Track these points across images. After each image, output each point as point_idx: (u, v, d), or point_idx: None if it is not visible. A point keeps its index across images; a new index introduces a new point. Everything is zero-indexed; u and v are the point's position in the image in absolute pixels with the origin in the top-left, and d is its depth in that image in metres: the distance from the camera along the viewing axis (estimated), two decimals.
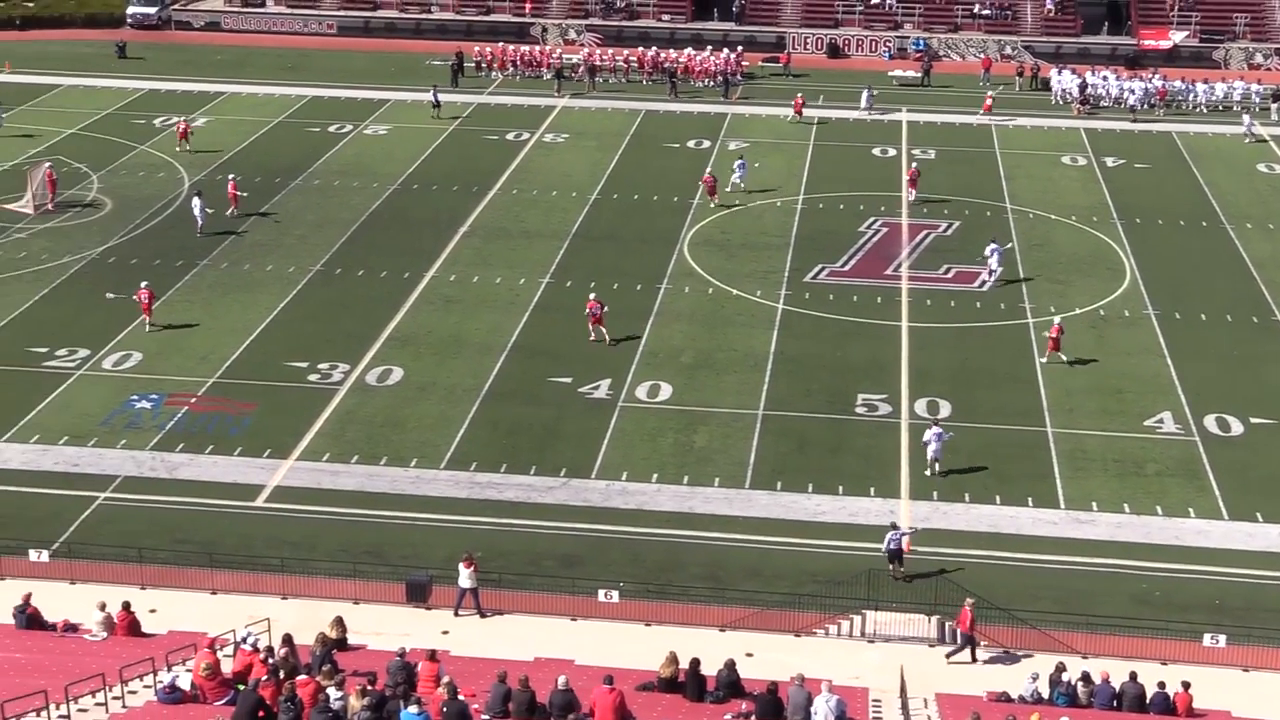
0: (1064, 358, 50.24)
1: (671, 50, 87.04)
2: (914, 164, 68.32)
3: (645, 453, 44.32)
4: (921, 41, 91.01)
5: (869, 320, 53.64)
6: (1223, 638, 34.83)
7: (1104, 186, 68.43)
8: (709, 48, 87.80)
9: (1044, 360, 50.16)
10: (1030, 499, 42.08)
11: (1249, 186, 68.82)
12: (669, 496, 42.10)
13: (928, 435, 43.38)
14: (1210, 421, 46.43)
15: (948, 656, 34.94)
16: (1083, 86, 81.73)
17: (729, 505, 41.72)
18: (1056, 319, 51.84)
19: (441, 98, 77.84)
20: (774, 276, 57.27)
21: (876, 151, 73.05)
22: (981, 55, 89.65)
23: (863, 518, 41.10)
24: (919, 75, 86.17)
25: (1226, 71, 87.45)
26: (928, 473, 43.19)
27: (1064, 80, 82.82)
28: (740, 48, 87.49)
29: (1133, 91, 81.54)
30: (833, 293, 55.91)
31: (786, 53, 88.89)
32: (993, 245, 57.88)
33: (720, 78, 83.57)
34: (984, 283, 56.73)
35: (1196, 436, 45.59)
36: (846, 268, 58.47)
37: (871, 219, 63.73)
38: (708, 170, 67.36)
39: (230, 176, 64.44)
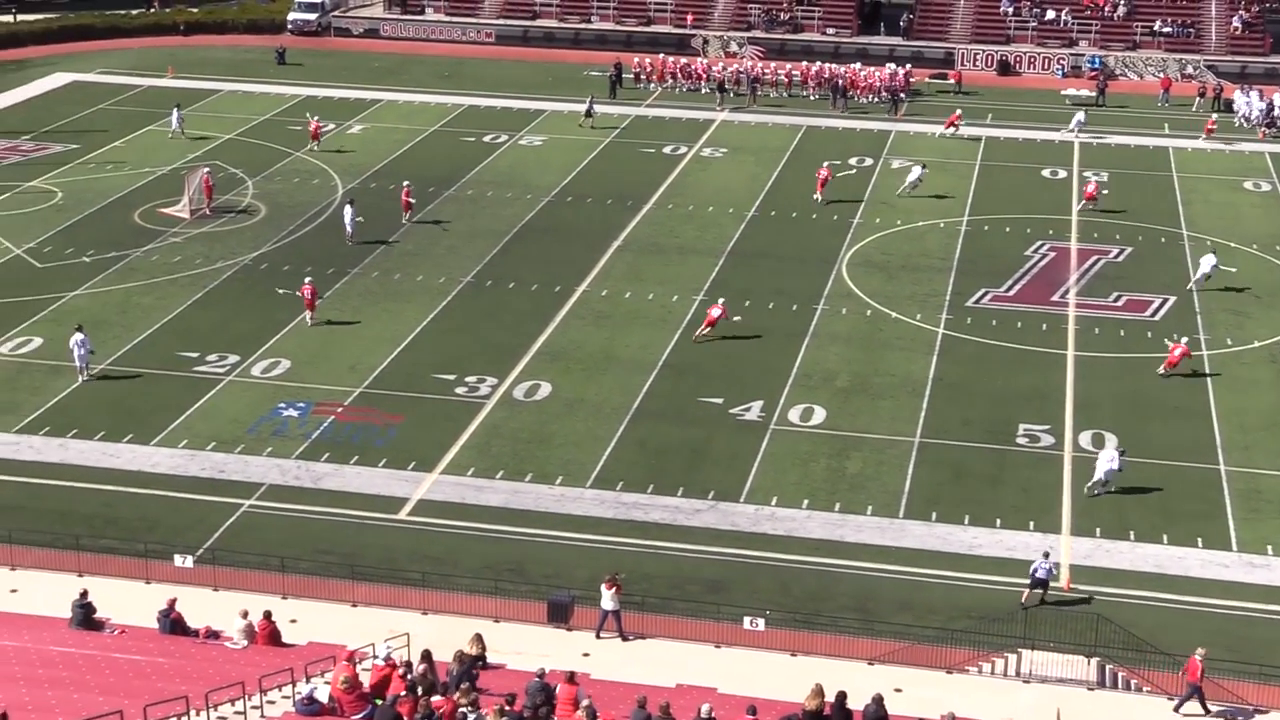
0: (1163, 371, 50.40)
1: (836, 65, 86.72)
2: (1094, 181, 67.70)
3: (796, 477, 44.17)
4: (1097, 59, 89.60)
5: (1033, 348, 52.89)
6: None
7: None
8: (889, 65, 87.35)
9: (1160, 371, 50.28)
10: (1200, 539, 41.11)
11: None
12: (819, 523, 41.89)
13: (1109, 452, 43.12)
14: None
15: (1176, 708, 33.98)
16: (1269, 109, 79.78)
17: (881, 535, 41.39)
18: (1184, 340, 51.14)
19: (597, 109, 78.46)
20: (935, 300, 56.76)
21: (1046, 173, 72.04)
22: (1161, 75, 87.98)
23: (1020, 552, 40.46)
24: (1094, 95, 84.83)
25: None
26: (1086, 490, 42.96)
27: (1251, 102, 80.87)
28: (908, 64, 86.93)
29: None
30: (996, 318, 55.23)
31: (957, 70, 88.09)
32: (1211, 256, 58.03)
33: (886, 94, 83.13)
34: (1191, 287, 57.67)
35: None
36: (1011, 292, 57.72)
37: (1039, 243, 62.85)
38: (824, 167, 68.50)
39: (404, 183, 65.51)
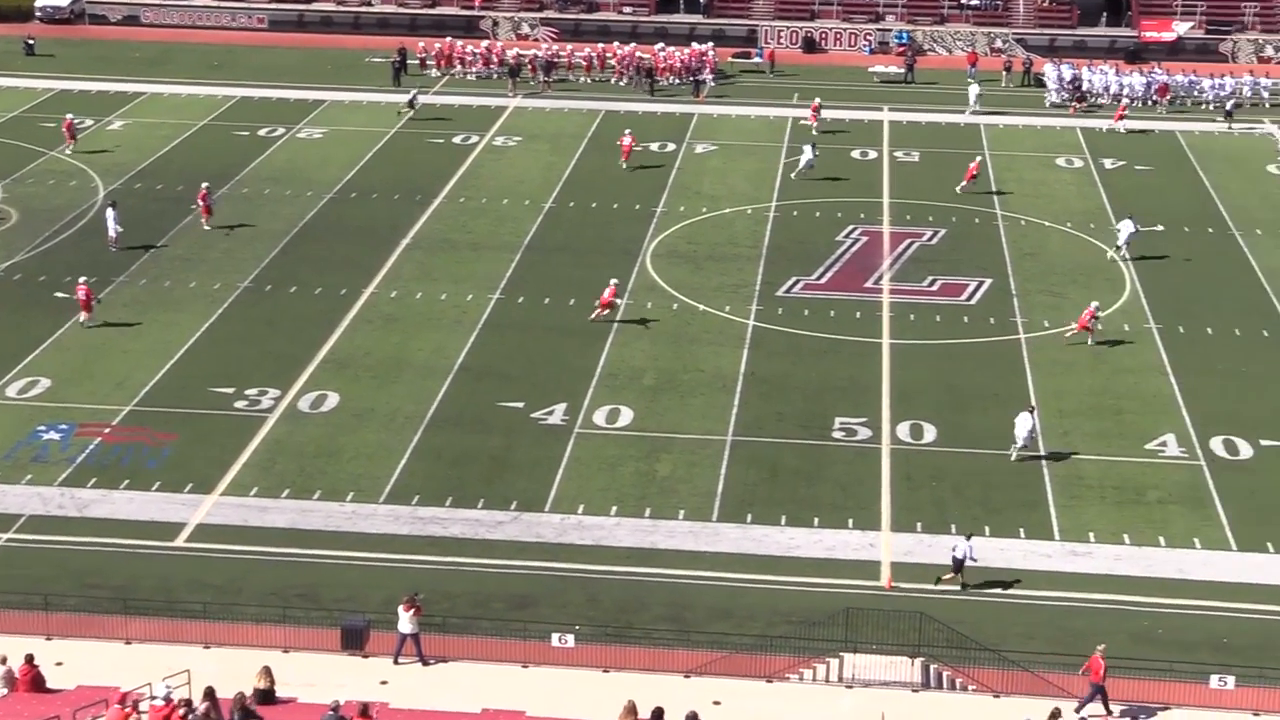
0: (1089, 342, 52.21)
1: (642, 47, 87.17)
2: (978, 158, 69.67)
3: (603, 483, 44.29)
4: (905, 35, 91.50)
5: (847, 337, 53.79)
6: (1231, 679, 34.91)
7: (1102, 190, 68.86)
8: (693, 44, 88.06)
9: (1067, 336, 52.48)
10: (1022, 530, 42.21)
11: (1258, 190, 69.37)
12: (629, 531, 42.06)
13: (1024, 417, 45.32)
14: (1217, 444, 46.69)
15: (1078, 709, 34.70)
16: (1077, 82, 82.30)
17: (695, 540, 41.70)
18: (1093, 303, 53.21)
19: (404, 97, 77.55)
20: (744, 290, 57.40)
21: (856, 154, 73.34)
22: (969, 49, 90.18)
23: (841, 552, 41.15)
24: (902, 71, 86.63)
25: (1234, 65, 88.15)
26: (1012, 456, 45.29)
27: (1060, 75, 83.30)
28: (710, 43, 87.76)
29: (1132, 87, 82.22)
30: (808, 307, 56.06)
31: (770, 49, 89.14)
32: (1129, 221, 60.67)
33: (689, 76, 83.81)
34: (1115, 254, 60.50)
35: (1202, 460, 45.84)
36: (823, 280, 58.63)
37: (850, 227, 63.96)
38: (627, 134, 69.93)
39: (203, 185, 63.84)
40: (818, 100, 77.06)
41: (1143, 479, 44.84)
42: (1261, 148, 75.50)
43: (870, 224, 64.51)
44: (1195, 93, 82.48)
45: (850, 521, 42.62)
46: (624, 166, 68.83)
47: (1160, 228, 63.58)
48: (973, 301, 56.92)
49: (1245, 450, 46.42)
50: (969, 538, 39.76)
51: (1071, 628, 38.00)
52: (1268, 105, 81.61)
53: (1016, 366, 51.74)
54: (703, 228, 63.82)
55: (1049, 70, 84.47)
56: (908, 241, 62.61)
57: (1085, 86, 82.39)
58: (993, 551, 41.18)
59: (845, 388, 50.14)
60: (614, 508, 43.08)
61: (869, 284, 58.45)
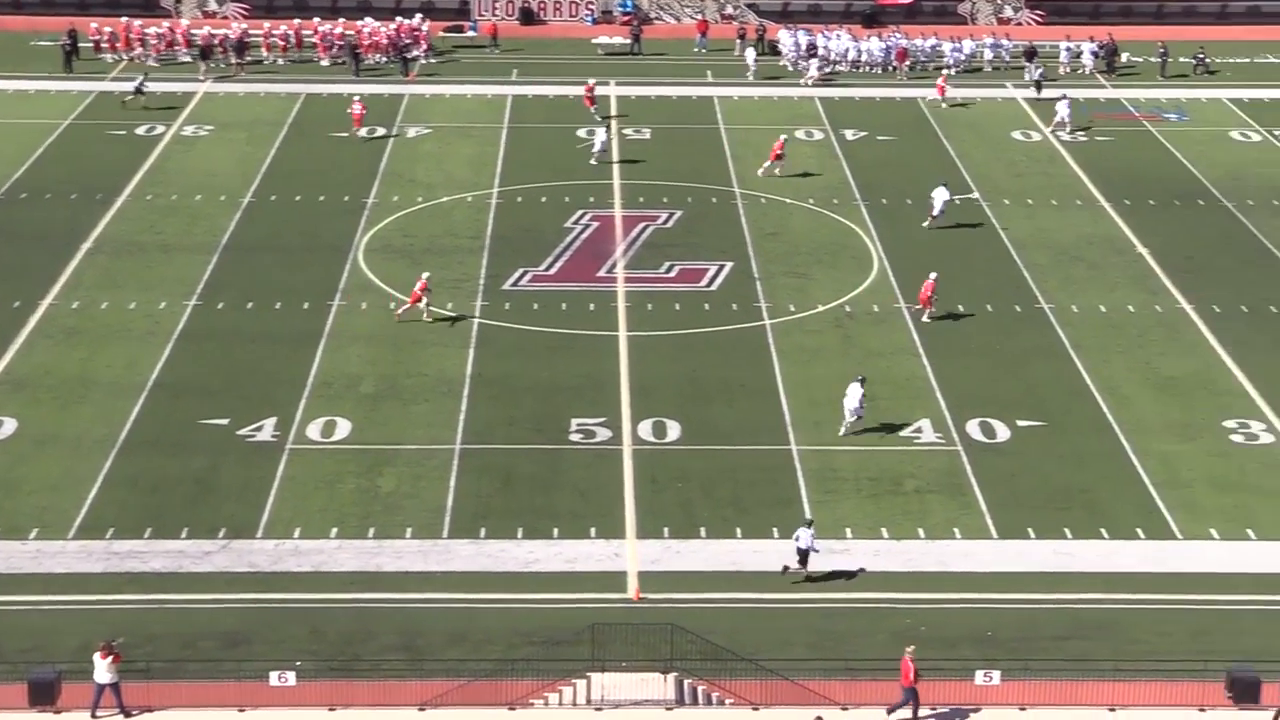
0: (926, 318, 54.31)
1: (336, 21, 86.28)
2: (782, 137, 70.05)
3: (322, 503, 43.81)
4: (629, 3, 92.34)
5: (581, 331, 54.11)
6: (996, 674, 36.11)
7: (844, 163, 70.53)
8: (398, 18, 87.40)
9: (914, 307, 54.79)
10: (775, 529, 42.97)
11: (1004, 158, 71.88)
12: (352, 554, 41.67)
13: (854, 388, 47.06)
14: (974, 427, 48.21)
15: (888, 713, 35.22)
16: (814, 48, 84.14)
17: (424, 559, 41.50)
18: (933, 275, 55.00)
19: (126, 87, 75.38)
20: (467, 285, 57.31)
21: (582, 133, 73.79)
22: (698, 16, 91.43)
23: (583, 564, 41.37)
24: (628, 42, 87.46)
25: (974, 27, 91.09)
26: (841, 431, 46.92)
27: (797, 42, 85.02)
28: (421, 16, 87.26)
29: (870, 53, 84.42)
30: (537, 301, 56.24)
31: (492, 22, 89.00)
32: (943, 189, 63.17)
33: (397, 53, 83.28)
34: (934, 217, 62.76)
35: (959, 445, 47.29)
36: (552, 271, 58.88)
37: (580, 212, 64.37)
38: (359, 103, 71.59)
39: None
40: (592, 81, 76.99)
41: (899, 468, 46.06)
42: (1004, 113, 78.17)
43: (601, 208, 64.99)
44: (935, 57, 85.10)
45: (593, 530, 42.87)
46: (360, 135, 70.18)
47: (975, 195, 65.87)
48: (713, 287, 57.75)
49: (1002, 432, 48.02)
50: (809, 525, 40.70)
51: (831, 630, 38.84)
52: (1007, 68, 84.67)
53: (762, 355, 52.66)
54: (419, 219, 63.52)
55: (784, 37, 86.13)
56: (642, 225, 63.24)
57: (821, 53, 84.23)
58: (747, 555, 41.84)
59: (581, 386, 50.41)
60: (334, 529, 42.62)
61: (602, 273, 58.88)
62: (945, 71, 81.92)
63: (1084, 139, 73.92)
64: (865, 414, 47.50)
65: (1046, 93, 78.52)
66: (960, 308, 56.13)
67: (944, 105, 78.33)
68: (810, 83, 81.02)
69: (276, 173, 68.09)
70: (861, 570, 41.10)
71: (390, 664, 37.04)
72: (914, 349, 53.12)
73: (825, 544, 42.05)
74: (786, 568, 40.68)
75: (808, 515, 42.26)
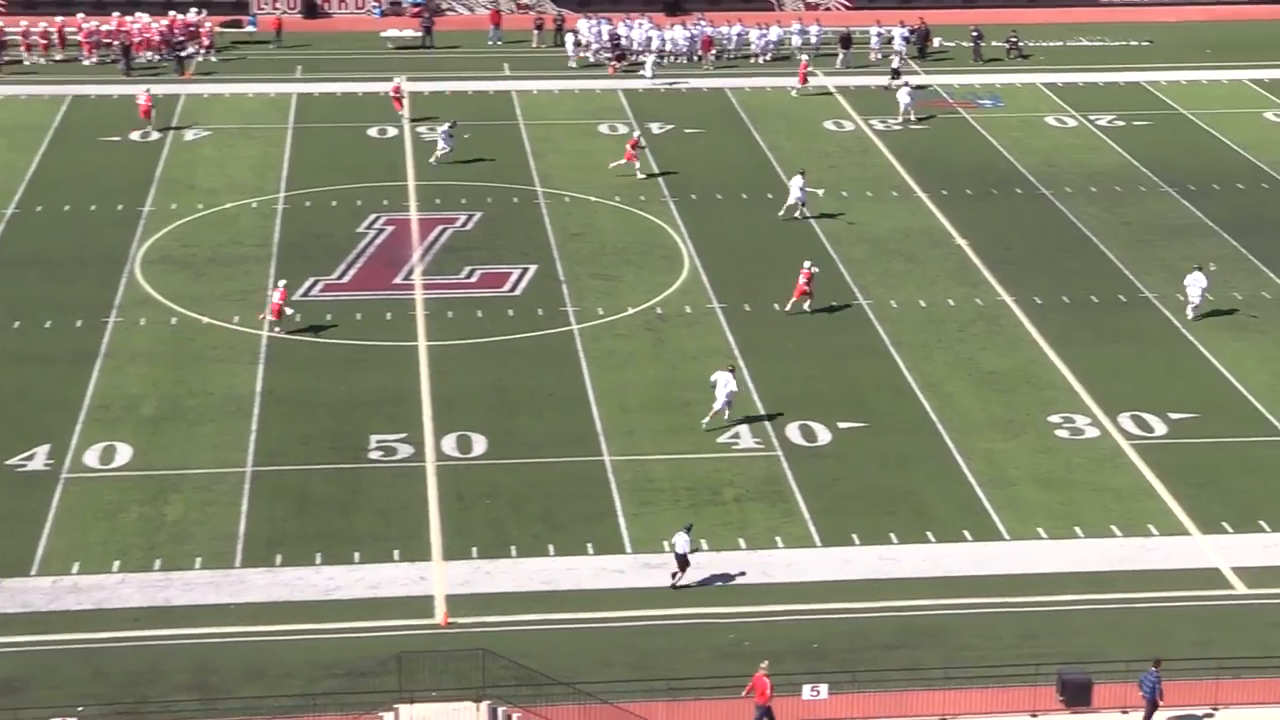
0: (806, 308, 55.41)
1: (107, 17, 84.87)
2: (636, 134, 70.15)
3: (102, 535, 43.00)
4: None
5: (378, 342, 53.77)
6: (824, 688, 36.51)
7: (651, 158, 70.84)
8: (171, 12, 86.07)
9: (788, 309, 55.44)
10: (590, 545, 43.03)
11: (816, 148, 72.77)
12: (137, 588, 40.94)
13: (722, 375, 48.10)
14: (793, 430, 48.70)
15: None
16: (615, 39, 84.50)
17: (216, 591, 40.91)
18: (807, 263, 56.13)
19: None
20: (255, 297, 56.66)
21: (373, 132, 73.43)
22: (492, 7, 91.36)
23: (388, 589, 41.06)
24: (419, 35, 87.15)
25: (781, 13, 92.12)
26: (706, 420, 48.01)
27: (599, 32, 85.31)
28: (197, 10, 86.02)
29: (674, 42, 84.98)
30: (330, 311, 55.78)
31: (275, 17, 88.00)
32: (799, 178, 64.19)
33: (170, 50, 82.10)
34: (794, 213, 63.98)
35: (779, 450, 47.73)
36: (345, 279, 58.44)
37: (373, 216, 64.03)
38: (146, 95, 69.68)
39: None
40: (398, 82, 76.20)
41: (717, 476, 46.37)
42: (816, 103, 79.14)
43: (395, 211, 64.66)
44: (742, 45, 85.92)
45: (396, 553, 42.58)
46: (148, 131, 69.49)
47: (820, 191, 66.57)
48: (517, 292, 57.73)
49: (823, 435, 48.56)
50: (687, 530, 41.00)
51: (651, 649, 38.95)
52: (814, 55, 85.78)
53: (571, 362, 52.73)
54: (200, 227, 62.69)
55: (583, 27, 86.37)
56: (439, 229, 63.02)
57: (624, 43, 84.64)
58: (560, 573, 41.84)
59: (379, 401, 50.08)
60: (117, 562, 41.86)
61: (399, 280, 58.57)
62: (803, 58, 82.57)
63: (924, 127, 75.16)
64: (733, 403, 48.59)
65: (849, 80, 79.77)
66: (775, 307, 56.66)
67: (794, 93, 79.21)
68: (650, 77, 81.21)
69: (42, 181, 66.77)
70: (708, 582, 41.39)
71: (181, 705, 36.47)
72: (729, 351, 53.52)
73: (643, 558, 42.24)
74: (675, 586, 41.11)
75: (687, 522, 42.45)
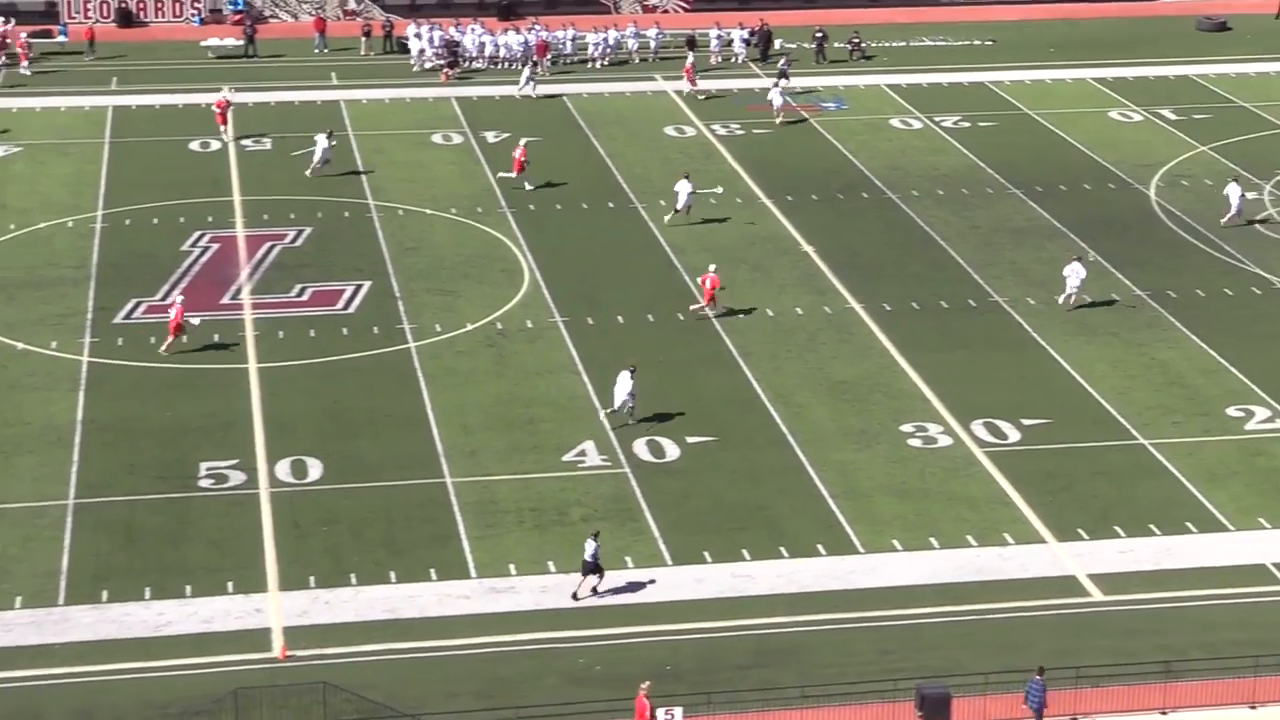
0: (710, 312, 56.58)
1: None
2: (522, 144, 69.80)
3: None
4: (240, 1, 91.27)
5: (206, 365, 53.31)
6: (678, 711, 36.67)
7: (487, 168, 70.87)
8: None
9: (694, 309, 56.82)
10: (434, 570, 42.92)
11: (658, 155, 73.19)
12: None
13: (624, 381, 49.40)
14: (640, 447, 48.90)
15: None
16: (450, 45, 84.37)
17: (38, 631, 40.25)
18: (712, 267, 57.39)
19: None
20: (73, 320, 55.97)
21: (195, 146, 72.80)
22: (316, 13, 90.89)
23: (221, 622, 40.64)
24: (241, 43, 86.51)
25: (618, 16, 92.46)
26: (604, 411, 49.62)
27: (433, 38, 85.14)
28: (4, 20, 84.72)
29: (509, 47, 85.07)
30: (155, 334, 55.15)
31: (88, 27, 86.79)
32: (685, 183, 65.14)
33: None
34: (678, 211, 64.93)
35: (626, 467, 47.90)
36: (169, 300, 57.77)
37: (197, 234, 63.52)
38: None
39: None
40: (224, 96, 75.18)
41: (564, 496, 46.44)
42: (656, 107, 79.59)
43: (221, 228, 64.12)
44: (578, 49, 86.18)
45: (230, 585, 42.18)
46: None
47: (719, 189, 67.60)
48: (350, 310, 57.49)
49: (671, 451, 48.81)
50: (595, 536, 41.57)
51: (498, 676, 38.92)
52: (655, 59, 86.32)
53: (409, 381, 52.58)
54: (12, 249, 61.82)
55: (412, 33, 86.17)
56: (268, 245, 62.58)
57: (461, 49, 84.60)
58: (402, 600, 41.69)
59: (209, 426, 49.62)
60: None
61: (226, 300, 58.13)
62: (689, 63, 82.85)
63: (767, 132, 75.93)
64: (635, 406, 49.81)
65: (711, 87, 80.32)
66: (619, 319, 56.89)
67: (700, 97, 79.69)
68: (524, 87, 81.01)
69: None
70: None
71: None
72: (573, 366, 53.65)
73: (489, 583, 42.22)
74: (576, 597, 41.56)
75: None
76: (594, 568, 41.66)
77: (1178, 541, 44.74)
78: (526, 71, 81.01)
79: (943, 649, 39.99)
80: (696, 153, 73.53)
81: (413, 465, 47.81)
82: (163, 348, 53.67)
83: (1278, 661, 38.46)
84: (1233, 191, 65.98)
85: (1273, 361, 54.45)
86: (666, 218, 64.87)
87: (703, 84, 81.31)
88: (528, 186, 68.02)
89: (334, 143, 70.11)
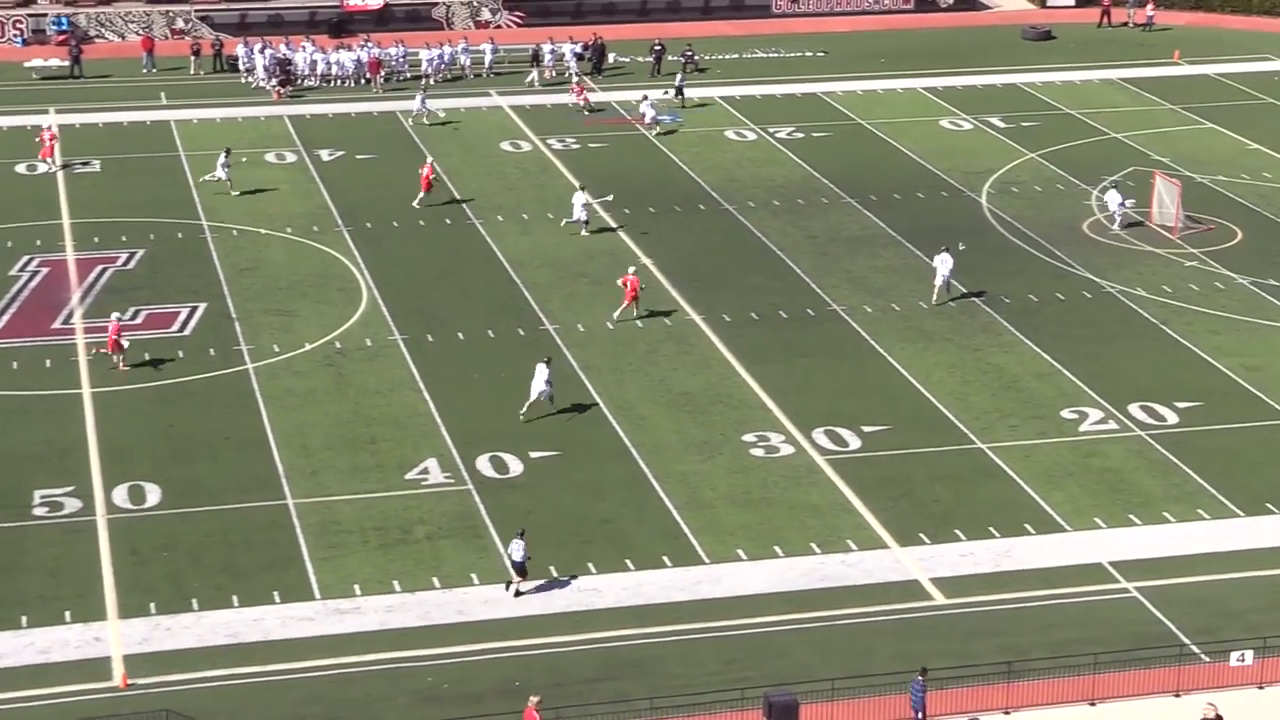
0: (635, 313, 58.02)
1: None
2: (429, 161, 69.89)
3: None
4: (64, 21, 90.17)
5: (38, 392, 52.58)
6: None
7: (322, 186, 70.55)
8: None
9: (617, 316, 57.79)
10: (277, 593, 42.60)
11: (495, 171, 73.20)
12: None
13: (540, 371, 50.99)
14: (484, 463, 48.85)
15: None
16: (283, 63, 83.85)
17: None
18: (632, 270, 58.75)
19: None
20: None
21: (21, 169, 71.86)
22: (143, 32, 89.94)
23: (60, 653, 40.05)
24: (66, 64, 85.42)
25: (451, 33, 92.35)
26: (522, 417, 50.59)
27: (268, 57, 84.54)
28: None
29: (340, 64, 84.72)
30: None
31: None
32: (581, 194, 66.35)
33: None
34: (583, 223, 65.75)
35: (470, 484, 47.83)
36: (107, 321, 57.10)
37: (25, 258, 62.73)
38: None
39: None
40: (47, 130, 73.73)
41: (407, 514, 46.28)
42: (491, 123, 79.59)
43: (50, 252, 63.28)
44: (408, 66, 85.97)
45: (68, 614, 41.58)
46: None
47: (611, 197, 68.48)
48: (186, 332, 56.96)
49: (515, 467, 48.82)
50: (521, 534, 42.59)
51: (346, 698, 38.71)
52: (488, 72, 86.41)
53: (248, 403, 52.16)
54: None
55: (243, 51, 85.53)
56: (100, 269, 61.83)
57: (291, 68, 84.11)
58: (245, 624, 41.33)
59: (42, 454, 48.92)
60: None
61: (57, 324, 57.39)
62: (576, 82, 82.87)
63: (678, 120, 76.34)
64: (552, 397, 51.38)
65: (525, 99, 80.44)
66: (460, 335, 56.83)
67: (585, 113, 79.93)
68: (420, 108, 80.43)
69: None
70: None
71: None
72: (414, 383, 53.50)
73: (334, 604, 41.97)
74: (515, 590, 42.39)
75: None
76: (520, 568, 42.25)
77: (1016, 543, 45.49)
78: (419, 97, 79.81)
79: (789, 656, 40.36)
80: (532, 168, 73.66)
81: (253, 487, 47.43)
82: (119, 366, 53.79)
83: (1116, 658, 39.26)
84: (1112, 199, 67.27)
85: (1104, 364, 55.55)
86: (564, 221, 66.09)
87: (545, 98, 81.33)
88: (415, 204, 67.85)
89: (227, 168, 69.71)
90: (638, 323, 57.90)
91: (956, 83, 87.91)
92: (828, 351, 56.56)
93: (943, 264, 59.64)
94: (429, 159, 71.11)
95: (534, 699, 36.67)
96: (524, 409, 50.88)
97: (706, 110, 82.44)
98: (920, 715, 37.56)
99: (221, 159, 69.63)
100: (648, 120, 78.04)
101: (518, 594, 42.46)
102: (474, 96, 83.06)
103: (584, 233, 65.51)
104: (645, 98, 79.55)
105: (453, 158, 74.32)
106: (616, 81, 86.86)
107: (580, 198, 65.83)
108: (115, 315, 55.08)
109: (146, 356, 54.78)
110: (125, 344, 54.07)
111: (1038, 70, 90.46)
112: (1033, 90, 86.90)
